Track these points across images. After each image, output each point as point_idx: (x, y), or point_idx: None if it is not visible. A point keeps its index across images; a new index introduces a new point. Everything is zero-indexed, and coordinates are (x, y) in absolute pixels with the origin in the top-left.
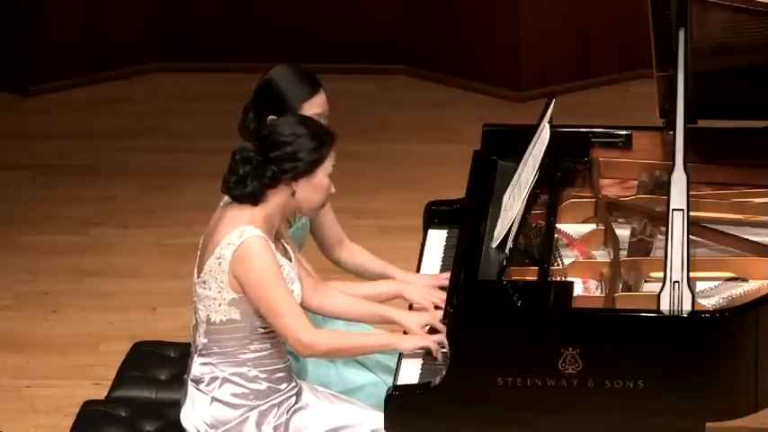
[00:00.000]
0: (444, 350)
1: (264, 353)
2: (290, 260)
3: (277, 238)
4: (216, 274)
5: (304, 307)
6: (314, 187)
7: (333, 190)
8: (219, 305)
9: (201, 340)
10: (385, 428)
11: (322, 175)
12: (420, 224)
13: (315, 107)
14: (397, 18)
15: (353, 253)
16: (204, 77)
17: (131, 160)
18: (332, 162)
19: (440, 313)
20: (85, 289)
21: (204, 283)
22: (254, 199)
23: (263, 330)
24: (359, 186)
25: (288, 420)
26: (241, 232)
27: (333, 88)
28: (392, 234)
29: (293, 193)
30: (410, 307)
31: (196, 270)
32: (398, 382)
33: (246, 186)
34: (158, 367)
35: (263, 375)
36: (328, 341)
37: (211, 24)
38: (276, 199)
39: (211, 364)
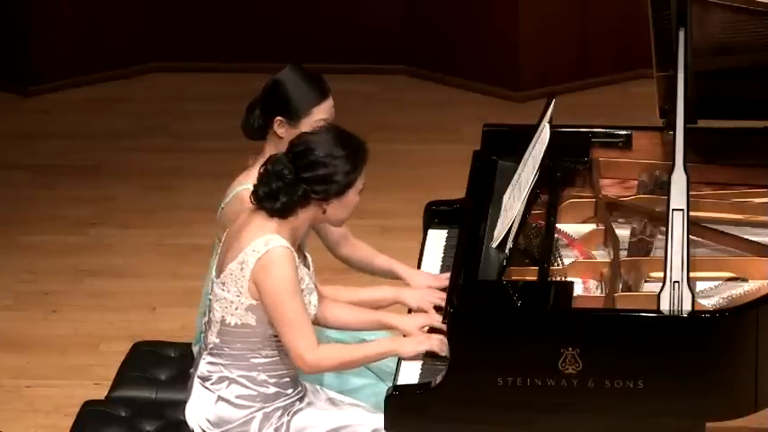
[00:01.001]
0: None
1: (275, 359)
2: (309, 268)
3: (300, 247)
4: (236, 278)
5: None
6: (344, 205)
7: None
8: (236, 308)
9: (213, 339)
10: (385, 428)
11: (353, 194)
12: (420, 224)
13: (322, 113)
14: (398, 18)
15: (358, 249)
16: (204, 77)
17: (131, 160)
18: (363, 180)
19: (438, 315)
20: (85, 289)
21: (223, 284)
22: (284, 214)
23: (276, 338)
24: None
25: (289, 421)
26: (267, 240)
27: (333, 88)
28: (392, 234)
29: (324, 212)
30: (409, 311)
31: (216, 269)
32: (398, 382)
33: (277, 202)
34: (158, 367)
35: (271, 380)
36: (330, 359)
37: (211, 24)
38: (305, 215)
39: (221, 364)
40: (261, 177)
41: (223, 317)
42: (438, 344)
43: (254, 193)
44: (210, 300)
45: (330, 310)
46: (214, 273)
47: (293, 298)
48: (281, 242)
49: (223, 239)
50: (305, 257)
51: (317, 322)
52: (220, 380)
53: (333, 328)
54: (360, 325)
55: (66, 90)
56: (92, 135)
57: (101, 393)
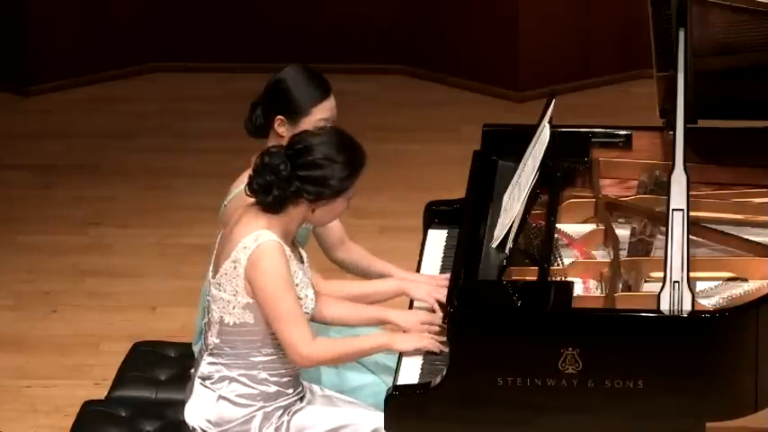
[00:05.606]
0: (442, 339)
1: (276, 357)
2: (304, 263)
3: (293, 243)
4: (231, 277)
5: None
6: (331, 210)
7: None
8: (234, 308)
9: (213, 340)
10: (385, 428)
11: (342, 201)
12: (420, 224)
13: (324, 111)
14: (397, 18)
15: (354, 253)
16: (204, 77)
17: (131, 160)
18: (354, 190)
19: (438, 313)
20: (85, 289)
21: (219, 284)
22: (274, 209)
23: (275, 335)
24: (359, 186)
25: (289, 421)
26: (257, 236)
27: (333, 88)
28: (392, 234)
29: (313, 211)
30: (411, 304)
31: (212, 269)
32: (398, 382)
33: (269, 196)
34: (158, 367)
35: (272, 378)
36: (325, 351)
37: (211, 24)
38: (296, 212)
39: (222, 363)
40: (256, 168)
41: (221, 317)
42: (433, 343)
43: (249, 184)
44: (208, 301)
45: (328, 308)
46: (210, 273)
47: (286, 292)
48: (271, 236)
49: (217, 240)
50: (300, 255)
51: (315, 320)
52: (221, 379)
53: (332, 325)
54: (358, 320)
55: (66, 90)
56: (92, 135)
57: (101, 393)
